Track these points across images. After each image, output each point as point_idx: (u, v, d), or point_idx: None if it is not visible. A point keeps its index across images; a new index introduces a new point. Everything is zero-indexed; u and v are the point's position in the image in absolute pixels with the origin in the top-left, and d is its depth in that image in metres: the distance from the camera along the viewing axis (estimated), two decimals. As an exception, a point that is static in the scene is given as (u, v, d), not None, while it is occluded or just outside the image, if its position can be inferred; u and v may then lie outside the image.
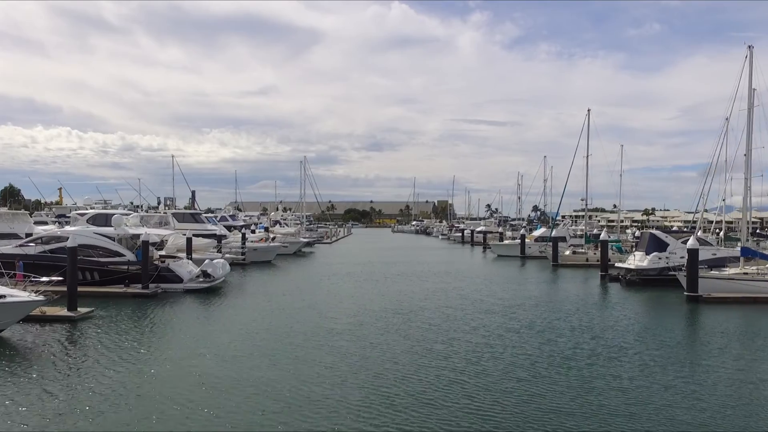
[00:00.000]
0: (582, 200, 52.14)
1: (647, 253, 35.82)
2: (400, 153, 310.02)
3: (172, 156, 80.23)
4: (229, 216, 63.29)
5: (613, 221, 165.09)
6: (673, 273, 33.37)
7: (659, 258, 35.26)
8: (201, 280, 31.39)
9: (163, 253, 36.49)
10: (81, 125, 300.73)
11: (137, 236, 31.60)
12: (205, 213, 79.97)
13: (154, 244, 34.29)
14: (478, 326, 21.25)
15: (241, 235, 49.75)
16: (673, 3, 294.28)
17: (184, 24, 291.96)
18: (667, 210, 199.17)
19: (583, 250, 50.71)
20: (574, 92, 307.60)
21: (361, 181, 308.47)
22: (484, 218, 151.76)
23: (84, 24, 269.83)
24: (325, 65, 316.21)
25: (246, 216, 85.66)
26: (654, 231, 38.17)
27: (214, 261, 32.97)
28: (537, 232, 60.54)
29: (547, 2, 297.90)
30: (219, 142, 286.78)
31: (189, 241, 36.51)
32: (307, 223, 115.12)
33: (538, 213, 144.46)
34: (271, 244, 52.13)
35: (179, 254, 36.14)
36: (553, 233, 50.85)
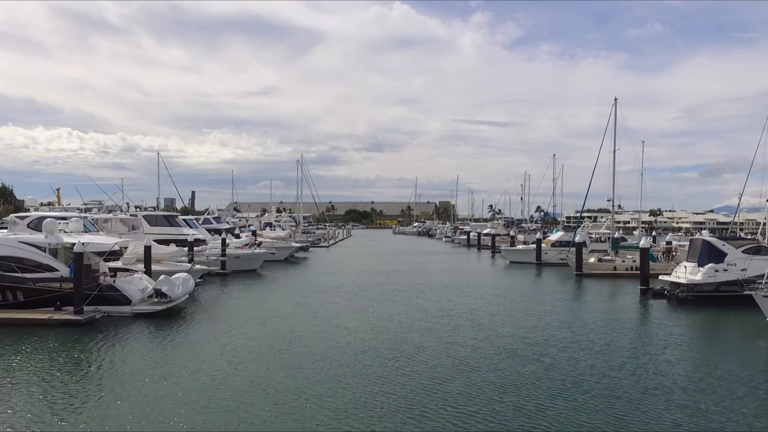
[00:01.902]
0: (608, 200, 45.50)
1: (700, 265, 29.22)
2: (401, 153, 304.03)
3: (158, 153, 73.75)
4: (213, 218, 56.63)
5: (619, 222, 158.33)
6: (733, 290, 27.05)
7: (716, 270, 28.67)
8: (154, 300, 24.88)
9: (118, 265, 30.11)
10: (82, 126, 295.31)
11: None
12: (204, 214, 73.74)
13: (102, 253, 27.84)
14: (504, 383, 14.63)
15: (221, 240, 43.09)
16: (674, 3, 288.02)
17: (185, 24, 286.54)
18: (673, 211, 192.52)
19: (609, 257, 44.07)
20: (576, 93, 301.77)
21: (362, 181, 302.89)
22: (488, 219, 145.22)
23: (85, 25, 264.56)
24: (326, 66, 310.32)
25: (238, 217, 79.24)
26: (708, 237, 31.56)
27: (174, 276, 26.51)
28: (554, 236, 53.80)
29: (548, 2, 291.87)
30: (220, 143, 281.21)
31: (147, 249, 29.96)
32: (306, 224, 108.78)
33: (542, 214, 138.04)
34: (256, 250, 45.56)
35: (138, 266, 29.71)
36: (577, 238, 44.05)
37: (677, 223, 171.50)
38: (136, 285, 25.49)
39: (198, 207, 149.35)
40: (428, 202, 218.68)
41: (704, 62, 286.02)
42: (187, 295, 26.94)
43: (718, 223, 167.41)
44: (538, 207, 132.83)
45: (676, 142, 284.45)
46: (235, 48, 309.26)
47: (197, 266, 33.00)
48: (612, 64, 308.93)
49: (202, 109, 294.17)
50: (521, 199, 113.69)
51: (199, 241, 44.76)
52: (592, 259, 43.56)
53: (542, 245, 51.40)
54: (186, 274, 27.61)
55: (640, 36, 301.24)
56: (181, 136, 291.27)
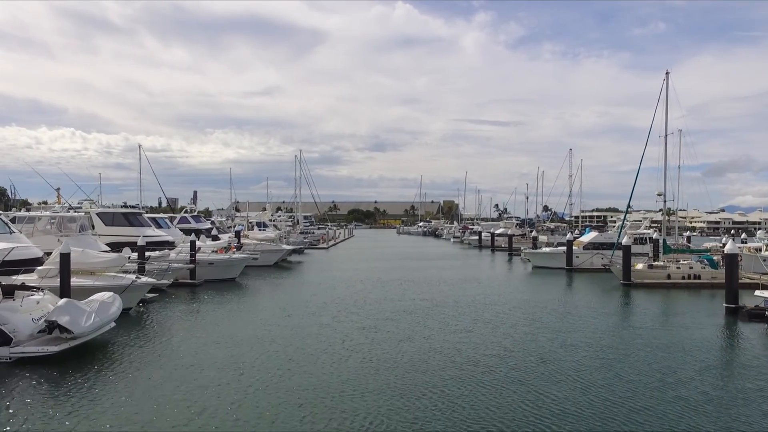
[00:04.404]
0: (659, 194, 36.96)
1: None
2: (404, 153, 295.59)
3: (139, 145, 65.89)
4: (192, 217, 48.33)
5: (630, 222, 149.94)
6: None
7: None
8: (49, 337, 16.58)
9: (33, 279, 22.02)
10: (86, 126, 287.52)
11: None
12: (201, 214, 65.70)
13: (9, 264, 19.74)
14: None
15: (190, 243, 34.77)
16: (678, 2, 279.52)
17: (188, 25, 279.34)
18: (683, 210, 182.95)
19: (662, 263, 35.53)
20: (579, 92, 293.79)
21: (365, 181, 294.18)
22: (495, 219, 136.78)
23: (88, 25, 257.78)
24: (328, 65, 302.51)
25: (233, 216, 71.05)
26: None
27: (87, 300, 18.27)
28: (586, 237, 45.20)
29: (551, 2, 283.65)
30: (222, 143, 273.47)
31: (64, 258, 21.56)
32: (308, 224, 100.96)
33: (549, 213, 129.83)
34: (234, 255, 37.20)
35: (53, 282, 21.50)
36: (624, 239, 35.38)
37: (690, 222, 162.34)
38: (29, 313, 17.16)
39: (200, 206, 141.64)
40: (432, 202, 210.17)
41: (708, 61, 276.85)
42: (111, 324, 18.65)
43: (734, 222, 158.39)
44: (546, 206, 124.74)
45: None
46: (238, 48, 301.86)
47: (142, 279, 24.64)
48: (615, 64, 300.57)
49: (205, 109, 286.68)
50: (527, 198, 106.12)
51: (165, 244, 36.66)
52: (639, 266, 35.04)
53: (573, 248, 42.90)
54: (110, 294, 19.27)
55: (644, 35, 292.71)
56: (183, 136, 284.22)
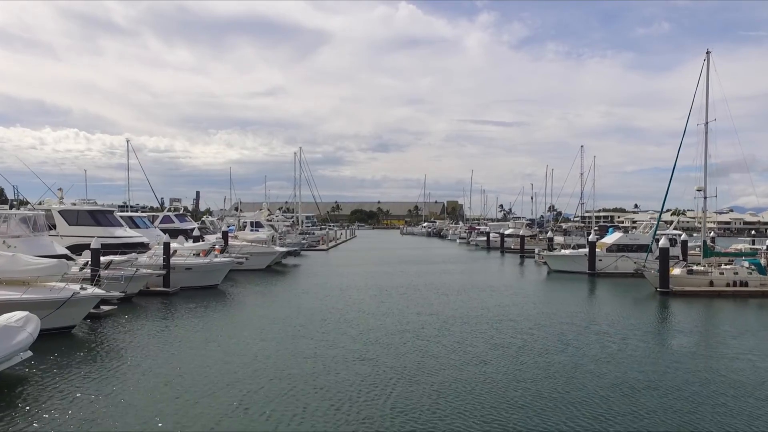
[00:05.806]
0: (698, 189, 32.05)
1: None
2: (407, 154, 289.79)
3: (127, 141, 61.27)
4: (176, 216, 43.60)
5: (636, 222, 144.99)
6: None
7: None
8: None
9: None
10: (90, 127, 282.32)
11: None
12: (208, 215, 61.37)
13: None
14: None
15: (164, 245, 30.03)
16: (682, 2, 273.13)
17: (191, 25, 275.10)
18: (691, 210, 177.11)
19: (702, 268, 30.56)
20: (582, 92, 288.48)
21: (368, 182, 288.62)
22: (500, 219, 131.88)
23: (93, 26, 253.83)
24: (332, 66, 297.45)
25: (217, 216, 66.43)
26: None
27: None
28: (610, 238, 40.12)
29: (555, 2, 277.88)
30: (226, 144, 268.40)
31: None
32: (310, 225, 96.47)
33: (554, 213, 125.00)
34: (216, 259, 32.42)
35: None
36: (661, 241, 30.27)
37: (699, 222, 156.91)
38: None
39: (202, 207, 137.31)
40: (435, 202, 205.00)
41: (712, 61, 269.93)
42: (21, 356, 13.85)
43: (745, 222, 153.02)
44: (552, 206, 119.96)
45: (685, 142, 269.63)
46: (242, 48, 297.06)
47: (87, 290, 19.83)
48: (619, 64, 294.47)
49: (209, 110, 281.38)
50: (531, 198, 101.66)
51: (137, 246, 31.99)
52: (677, 271, 30.09)
53: (596, 250, 37.89)
54: (21, 315, 14.52)
55: (648, 35, 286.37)
56: (187, 137, 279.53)
